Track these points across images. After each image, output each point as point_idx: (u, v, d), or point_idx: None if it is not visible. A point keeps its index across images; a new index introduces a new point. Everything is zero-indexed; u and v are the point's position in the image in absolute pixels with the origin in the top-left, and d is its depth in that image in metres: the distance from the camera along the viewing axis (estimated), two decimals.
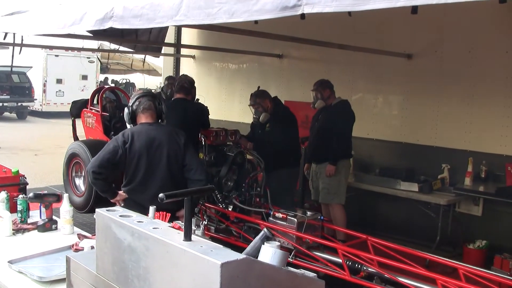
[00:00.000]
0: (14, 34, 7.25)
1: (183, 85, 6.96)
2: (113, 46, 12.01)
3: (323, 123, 7.30)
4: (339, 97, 7.33)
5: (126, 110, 4.90)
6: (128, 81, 33.05)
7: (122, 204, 4.70)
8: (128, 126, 4.94)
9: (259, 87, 7.51)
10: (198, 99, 7.62)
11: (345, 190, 7.33)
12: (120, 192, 4.84)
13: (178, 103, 6.86)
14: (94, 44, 10.59)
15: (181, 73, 12.12)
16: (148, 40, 10.62)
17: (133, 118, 4.86)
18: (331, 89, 7.31)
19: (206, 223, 5.19)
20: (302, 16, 3.00)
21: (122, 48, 11.54)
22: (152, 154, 4.69)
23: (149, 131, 4.75)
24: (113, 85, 26.35)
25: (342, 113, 7.24)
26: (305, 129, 8.79)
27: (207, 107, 7.26)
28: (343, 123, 7.22)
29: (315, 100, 7.35)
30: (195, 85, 7.13)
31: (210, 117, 7.15)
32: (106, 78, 31.86)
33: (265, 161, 6.69)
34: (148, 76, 33.81)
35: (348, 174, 7.51)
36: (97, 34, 8.37)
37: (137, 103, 4.83)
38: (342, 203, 7.26)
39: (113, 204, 5.11)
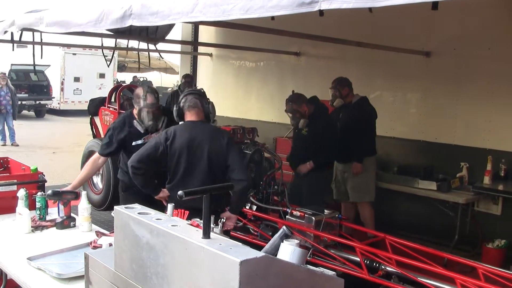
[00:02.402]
0: (33, 32, 7.28)
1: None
2: (130, 44, 11.99)
3: (346, 122, 7.23)
4: (357, 94, 7.30)
5: (174, 107, 4.91)
6: (145, 79, 33.19)
7: (167, 202, 4.71)
8: (181, 123, 4.97)
9: (293, 91, 7.35)
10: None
11: (374, 186, 7.36)
12: (164, 189, 4.84)
13: None
14: (111, 42, 10.55)
15: (198, 71, 12.15)
16: (155, 35, 10.39)
17: (180, 116, 4.88)
18: (350, 87, 7.25)
19: (224, 221, 5.15)
20: (321, 13, 2.97)
21: (141, 46, 11.51)
22: (192, 152, 4.66)
23: (191, 129, 4.75)
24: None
25: (364, 110, 7.20)
26: None
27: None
28: (366, 121, 7.19)
29: (333, 98, 7.29)
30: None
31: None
32: (135, 77, 32.03)
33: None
34: (165, 74, 33.94)
35: (375, 171, 7.50)
36: (117, 33, 8.38)
37: (183, 100, 4.84)
38: (373, 200, 7.30)
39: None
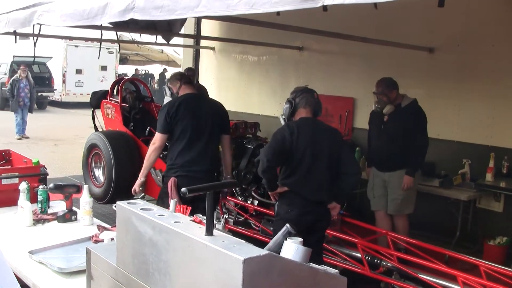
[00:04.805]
0: (33, 25, 7.26)
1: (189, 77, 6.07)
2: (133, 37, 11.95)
3: (398, 127, 6.45)
4: (404, 95, 6.65)
5: (287, 104, 4.92)
6: (147, 72, 33.19)
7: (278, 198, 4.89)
8: (282, 120, 5.01)
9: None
10: None
11: (415, 199, 6.73)
12: (280, 185, 4.87)
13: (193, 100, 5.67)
14: (113, 34, 10.51)
15: (201, 65, 12.12)
16: (169, 30, 10.26)
17: (292, 113, 4.90)
18: (397, 88, 6.56)
19: (227, 217, 5.16)
20: (324, 8, 2.95)
21: (142, 39, 11.48)
22: (316, 147, 4.71)
23: (313, 126, 4.82)
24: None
25: (422, 116, 6.50)
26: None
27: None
28: (424, 130, 6.49)
29: (381, 105, 6.54)
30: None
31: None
32: (137, 70, 32.01)
33: None
34: (168, 67, 33.95)
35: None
36: (118, 26, 8.32)
37: (300, 97, 4.88)
38: (412, 211, 6.69)
39: (131, 196, 5.10)
